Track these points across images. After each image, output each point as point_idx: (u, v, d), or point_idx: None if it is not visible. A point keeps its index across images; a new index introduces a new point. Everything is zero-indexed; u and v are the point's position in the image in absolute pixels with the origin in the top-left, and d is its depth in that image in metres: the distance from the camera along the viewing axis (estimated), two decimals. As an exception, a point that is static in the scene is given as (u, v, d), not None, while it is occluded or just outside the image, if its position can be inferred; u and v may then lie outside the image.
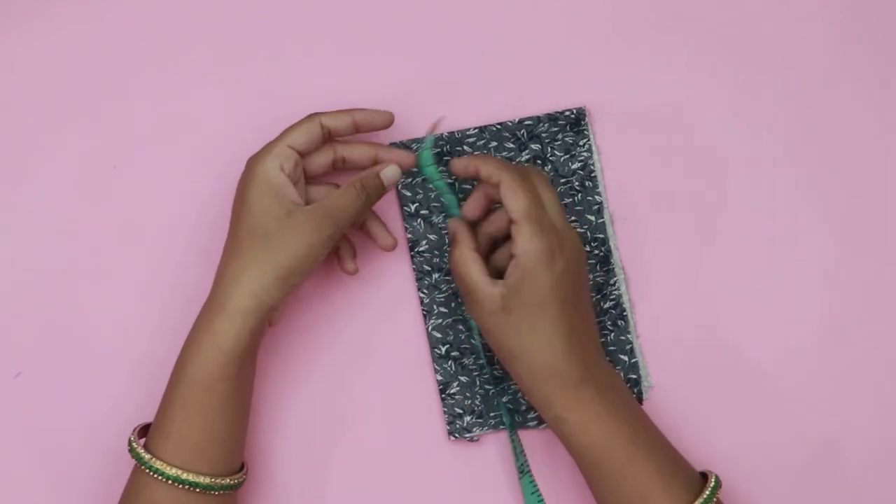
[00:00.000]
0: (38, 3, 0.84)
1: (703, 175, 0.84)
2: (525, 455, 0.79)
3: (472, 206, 0.77)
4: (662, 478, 0.73)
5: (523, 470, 0.79)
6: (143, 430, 0.76)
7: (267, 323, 0.76)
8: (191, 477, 0.72)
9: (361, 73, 0.84)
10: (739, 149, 0.84)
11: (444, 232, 0.82)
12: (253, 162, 0.76)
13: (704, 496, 0.73)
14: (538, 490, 0.79)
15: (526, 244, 0.73)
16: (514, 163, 0.80)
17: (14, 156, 0.83)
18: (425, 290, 0.82)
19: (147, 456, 0.73)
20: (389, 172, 0.77)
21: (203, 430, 0.73)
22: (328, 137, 0.78)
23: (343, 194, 0.75)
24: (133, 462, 0.74)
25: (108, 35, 0.84)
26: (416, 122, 0.83)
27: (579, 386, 0.73)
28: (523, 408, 0.81)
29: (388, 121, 0.79)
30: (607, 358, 0.77)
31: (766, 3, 0.85)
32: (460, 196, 0.82)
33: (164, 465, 0.72)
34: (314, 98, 0.83)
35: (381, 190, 0.77)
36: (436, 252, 0.82)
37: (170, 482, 0.72)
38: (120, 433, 0.80)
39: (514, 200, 0.73)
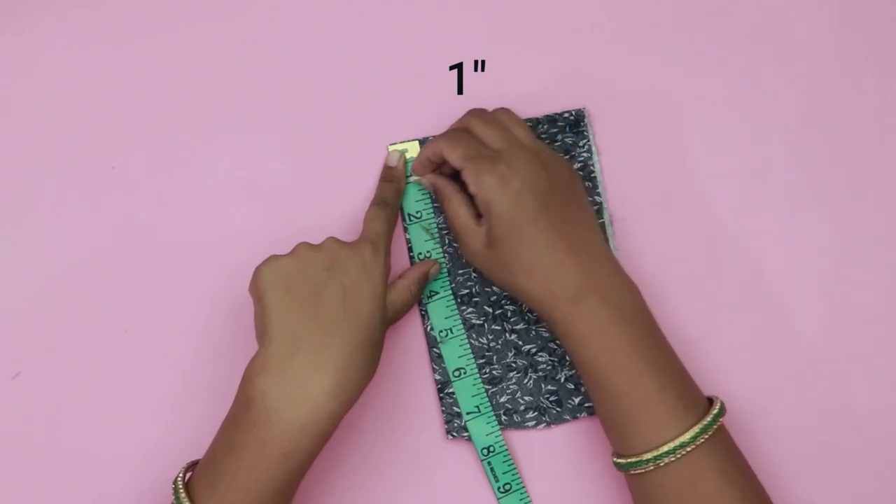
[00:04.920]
0: (38, 3, 0.84)
1: (703, 175, 0.84)
2: (511, 473, 0.80)
3: (417, 165, 0.81)
4: (665, 398, 0.72)
5: (507, 489, 0.79)
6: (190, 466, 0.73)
7: None
8: None
9: (361, 74, 0.84)
10: (739, 149, 0.84)
11: (444, 232, 0.82)
12: (372, 271, 0.74)
13: (706, 421, 0.72)
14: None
15: (474, 183, 0.75)
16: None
17: (13, 156, 0.83)
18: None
19: None
20: (434, 271, 0.81)
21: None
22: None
23: (401, 294, 0.78)
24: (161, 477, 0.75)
25: (107, 35, 0.84)
26: (415, 123, 0.83)
27: (578, 299, 0.73)
28: (522, 408, 0.81)
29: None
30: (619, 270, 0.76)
31: (765, 3, 0.85)
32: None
33: None
34: (314, 98, 0.84)
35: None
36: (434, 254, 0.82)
37: None
38: (118, 433, 0.80)
39: (450, 154, 0.77)
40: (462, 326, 0.81)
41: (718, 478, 0.71)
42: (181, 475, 0.72)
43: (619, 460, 0.73)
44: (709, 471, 0.71)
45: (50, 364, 0.81)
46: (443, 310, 0.81)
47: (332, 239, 0.75)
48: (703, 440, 0.71)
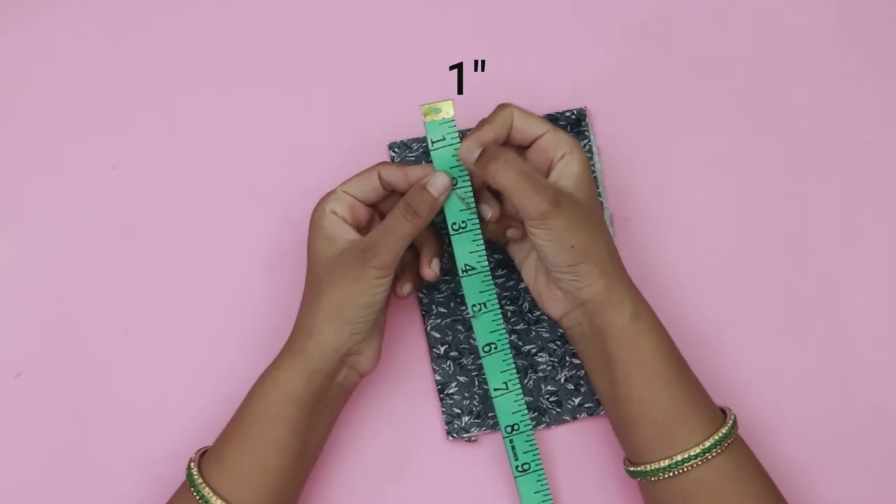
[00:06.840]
0: (38, 3, 0.84)
1: (703, 175, 0.84)
2: (532, 454, 0.79)
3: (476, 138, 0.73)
4: (693, 407, 0.73)
5: (525, 469, 0.79)
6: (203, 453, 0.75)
7: (351, 372, 0.75)
8: None
9: (361, 74, 0.84)
10: (739, 148, 0.84)
11: (443, 232, 0.82)
12: (312, 212, 0.75)
13: (725, 429, 0.72)
14: (544, 489, 0.78)
15: (557, 144, 0.73)
16: None
17: (14, 156, 0.83)
18: (424, 291, 0.82)
19: (199, 480, 0.72)
20: (438, 181, 0.73)
21: (255, 465, 0.72)
22: (389, 188, 0.75)
23: (387, 221, 0.73)
24: (178, 475, 0.75)
25: (108, 35, 0.84)
26: (416, 123, 0.83)
27: (623, 299, 0.73)
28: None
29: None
30: None
31: (766, 3, 0.85)
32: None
33: (211, 493, 0.72)
34: (314, 98, 0.84)
35: (432, 204, 0.73)
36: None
37: None
38: (118, 433, 0.80)
39: (529, 118, 0.73)
40: (497, 301, 0.78)
41: (735, 484, 0.72)
42: (194, 455, 0.74)
43: (637, 468, 0.73)
44: (733, 474, 0.72)
45: (50, 364, 0.81)
46: (478, 284, 0.77)
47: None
48: (725, 446, 0.72)
